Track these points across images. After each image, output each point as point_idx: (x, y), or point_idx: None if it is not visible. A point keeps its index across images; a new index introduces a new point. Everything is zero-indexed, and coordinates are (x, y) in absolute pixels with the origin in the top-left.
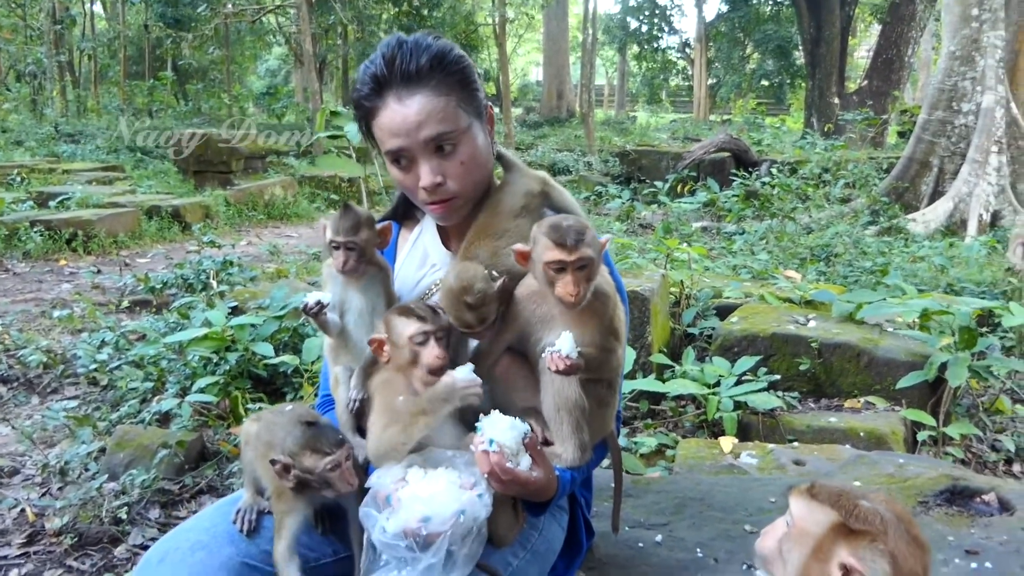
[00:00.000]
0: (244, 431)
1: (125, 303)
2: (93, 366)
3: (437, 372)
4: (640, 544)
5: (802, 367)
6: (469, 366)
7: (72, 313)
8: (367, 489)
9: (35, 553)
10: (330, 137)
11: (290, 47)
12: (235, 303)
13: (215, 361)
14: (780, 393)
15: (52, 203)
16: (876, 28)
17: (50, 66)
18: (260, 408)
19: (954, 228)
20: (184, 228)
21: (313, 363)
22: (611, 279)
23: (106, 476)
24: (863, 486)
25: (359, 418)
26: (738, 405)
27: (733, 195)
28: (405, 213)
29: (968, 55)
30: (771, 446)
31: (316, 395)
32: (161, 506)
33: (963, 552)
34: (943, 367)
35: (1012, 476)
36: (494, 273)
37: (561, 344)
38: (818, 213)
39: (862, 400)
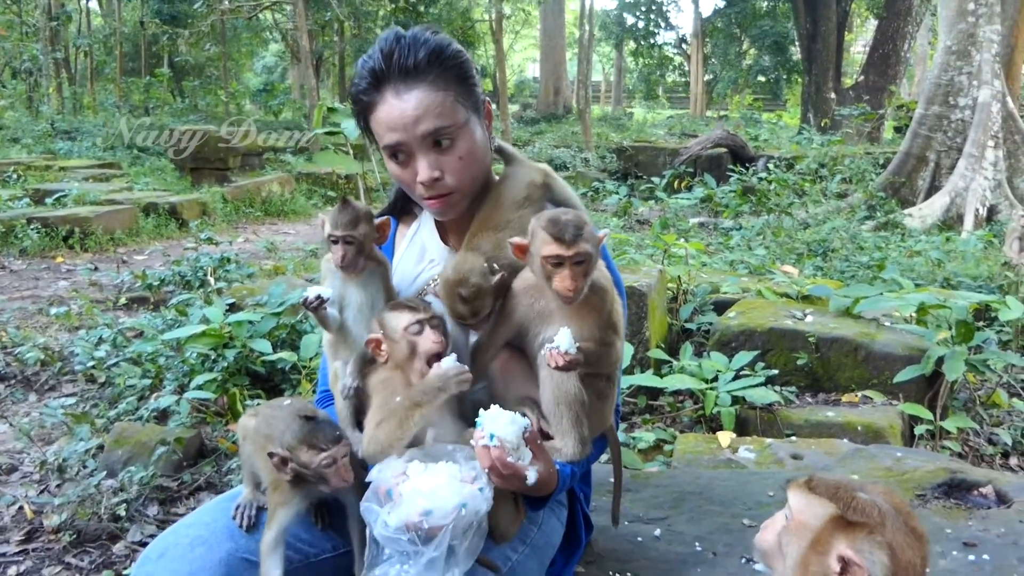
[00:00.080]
0: (242, 425)
1: (122, 300)
2: (91, 363)
3: (437, 358)
4: (639, 538)
5: (799, 362)
6: (453, 356)
7: (69, 310)
8: (367, 484)
9: (34, 550)
10: (327, 134)
11: (286, 43)
12: (233, 300)
13: (213, 358)
14: (778, 388)
15: (49, 200)
16: (872, 23)
17: (46, 63)
18: (258, 404)
19: (951, 223)
20: (181, 225)
21: (311, 359)
22: (608, 273)
23: (104, 473)
24: (861, 479)
25: (358, 412)
26: (736, 400)
27: (730, 191)
28: (403, 208)
29: (964, 50)
30: (769, 440)
31: (314, 391)
32: (160, 503)
33: (961, 544)
34: (940, 361)
35: (1009, 469)
36: (495, 267)
37: (559, 340)
38: (815, 208)
39: (859, 394)
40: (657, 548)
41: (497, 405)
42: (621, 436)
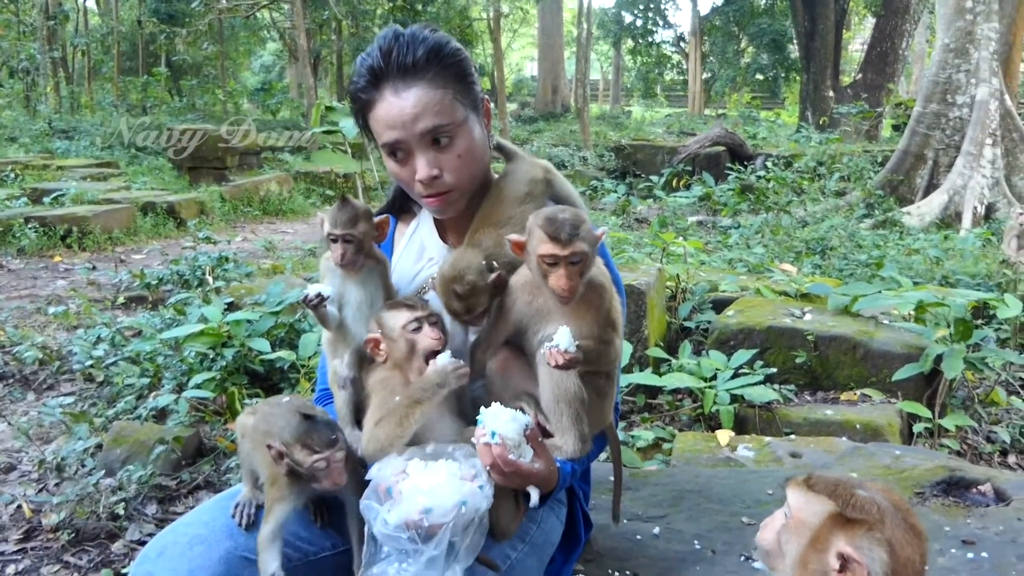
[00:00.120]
0: (240, 423)
1: (121, 299)
2: (89, 362)
3: (435, 355)
4: (638, 536)
5: (798, 360)
6: (447, 352)
7: (67, 309)
8: (367, 482)
9: (32, 549)
10: (326, 132)
11: (284, 42)
12: (231, 299)
13: (211, 357)
14: (776, 386)
15: (46, 199)
16: (870, 21)
17: (43, 62)
18: (256, 403)
19: (949, 221)
20: (179, 224)
21: (310, 358)
22: (607, 270)
23: (103, 472)
24: (860, 477)
25: (357, 410)
26: (735, 398)
27: (728, 189)
28: (402, 207)
29: (962, 47)
30: (768, 439)
31: (313, 390)
32: (158, 502)
33: (960, 542)
34: (939, 359)
35: (1007, 467)
36: (494, 264)
37: (558, 339)
38: (813, 206)
39: (858, 392)
40: (656, 546)
41: (497, 403)
42: (620, 435)
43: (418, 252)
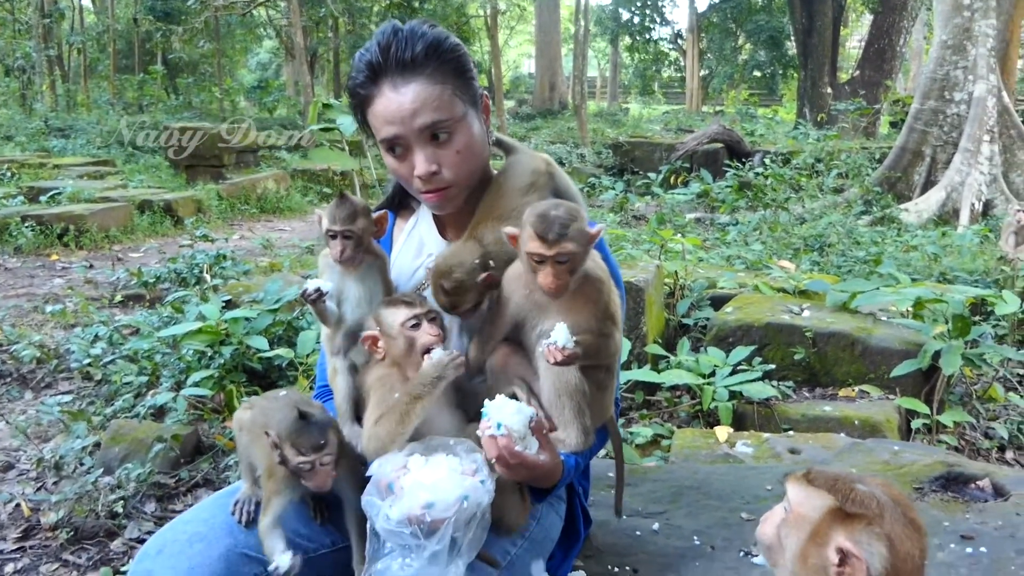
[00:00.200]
0: (237, 418)
1: (118, 298)
2: (87, 361)
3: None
4: (637, 532)
5: (796, 356)
6: (440, 347)
7: (65, 308)
8: (367, 479)
9: (31, 547)
10: (323, 130)
11: (281, 40)
12: (229, 297)
13: (209, 355)
14: (775, 382)
15: (43, 198)
16: (868, 18)
17: (39, 60)
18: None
19: (947, 217)
20: (176, 222)
21: (308, 356)
22: (604, 264)
23: (101, 470)
24: (859, 472)
25: (357, 407)
26: (733, 395)
27: (726, 186)
28: (400, 203)
29: (960, 44)
30: (766, 435)
31: (311, 388)
32: (157, 500)
33: (958, 537)
34: (937, 355)
35: (1005, 463)
36: (489, 263)
37: (556, 335)
38: (811, 203)
39: (856, 389)
40: (656, 542)
41: (501, 395)
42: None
43: (417, 248)
